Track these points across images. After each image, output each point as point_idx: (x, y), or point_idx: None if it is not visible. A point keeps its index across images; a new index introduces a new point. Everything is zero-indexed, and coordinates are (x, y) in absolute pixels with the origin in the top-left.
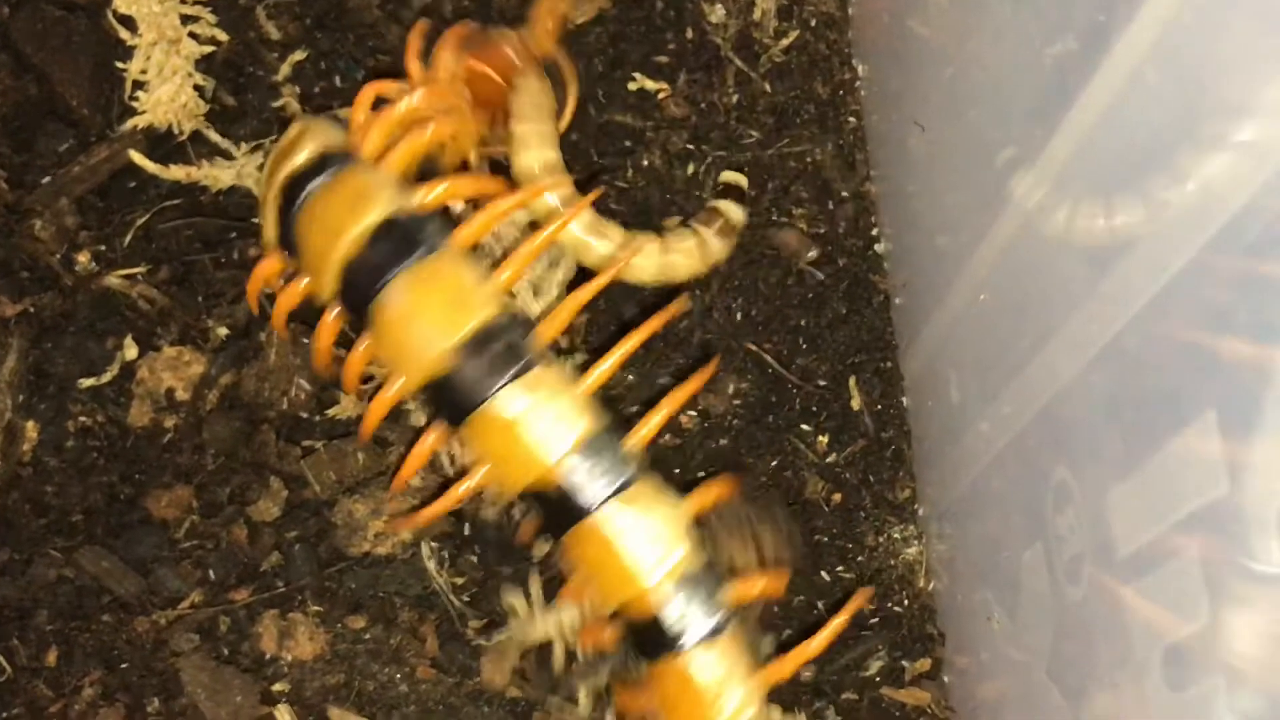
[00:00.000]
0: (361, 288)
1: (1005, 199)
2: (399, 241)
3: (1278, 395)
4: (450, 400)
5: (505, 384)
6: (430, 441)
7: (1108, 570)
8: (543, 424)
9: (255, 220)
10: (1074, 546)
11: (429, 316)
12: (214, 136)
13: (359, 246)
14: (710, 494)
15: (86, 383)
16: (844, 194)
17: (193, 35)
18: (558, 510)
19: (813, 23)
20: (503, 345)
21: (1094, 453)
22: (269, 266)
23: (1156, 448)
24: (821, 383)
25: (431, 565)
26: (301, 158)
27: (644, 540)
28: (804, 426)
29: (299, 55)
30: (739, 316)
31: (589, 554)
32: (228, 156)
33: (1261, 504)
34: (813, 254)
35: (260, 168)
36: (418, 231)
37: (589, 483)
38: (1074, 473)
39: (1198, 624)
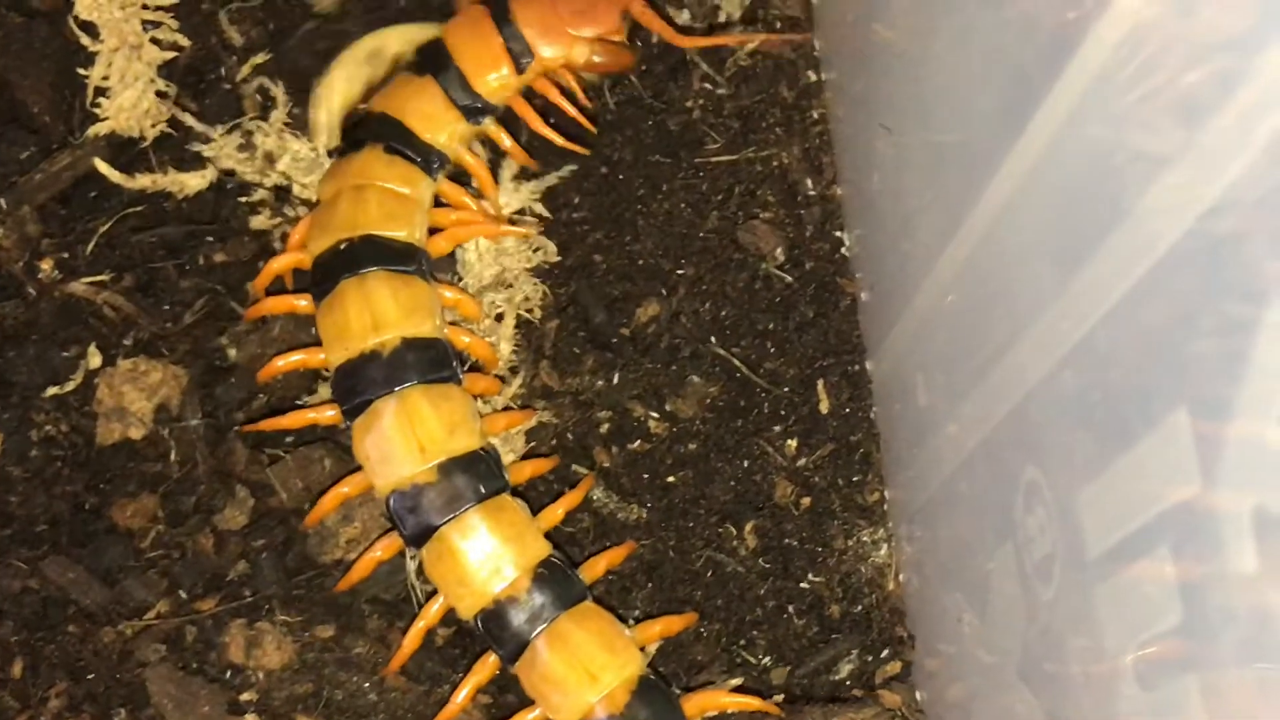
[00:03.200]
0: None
1: (972, 200)
2: (410, 363)
3: (1249, 394)
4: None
5: (468, 509)
6: (379, 552)
7: (1079, 570)
8: (499, 549)
9: (219, 225)
10: (1044, 547)
11: (421, 431)
12: (190, 120)
13: (368, 360)
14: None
15: (50, 391)
16: (810, 197)
17: (155, 41)
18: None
19: (777, 26)
20: (473, 474)
21: (1064, 453)
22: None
23: (1127, 447)
24: (789, 386)
25: (411, 568)
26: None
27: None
28: (772, 430)
29: (260, 59)
30: (707, 320)
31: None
32: (205, 139)
33: (1234, 504)
34: (780, 257)
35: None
36: (427, 360)
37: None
38: (1044, 473)
39: (1170, 624)
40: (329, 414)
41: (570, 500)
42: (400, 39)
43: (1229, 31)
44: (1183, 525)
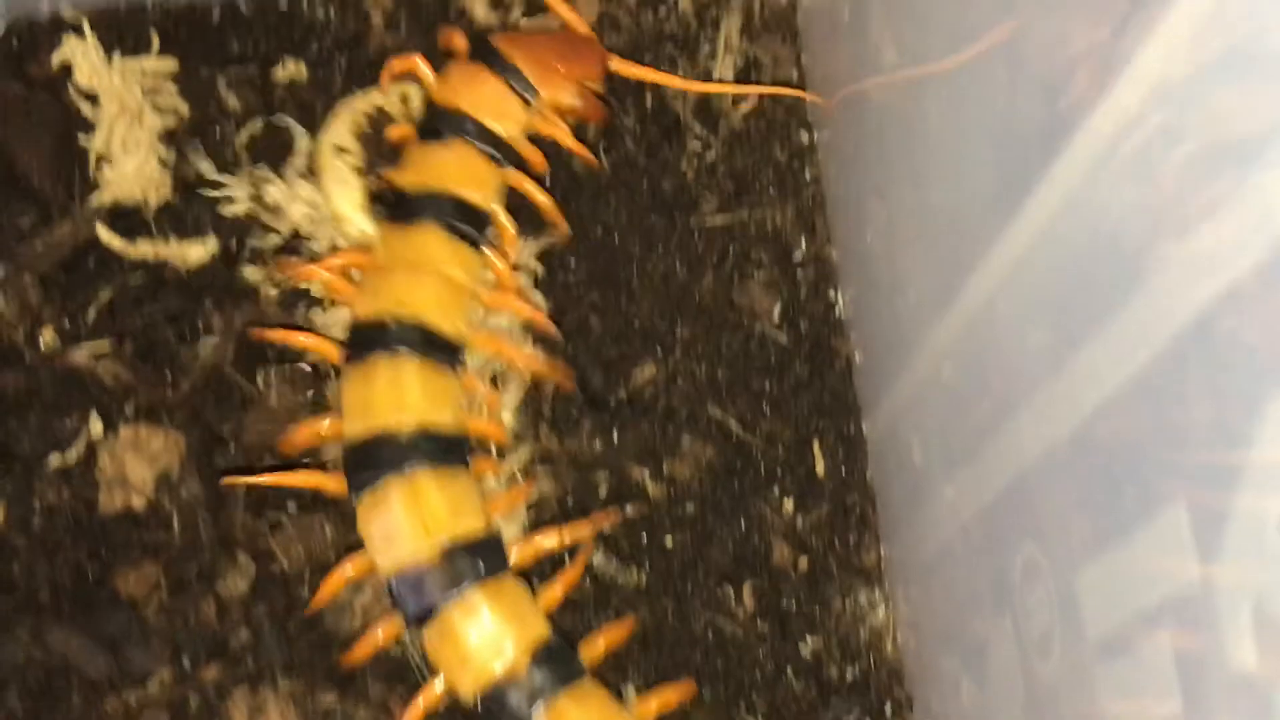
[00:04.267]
0: (370, 466)
1: (966, 271)
2: (424, 449)
3: (1248, 484)
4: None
5: (470, 590)
6: (381, 635)
7: (1078, 649)
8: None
9: (220, 292)
10: (1043, 623)
11: (428, 514)
12: (203, 167)
13: (385, 439)
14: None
15: (52, 460)
16: (804, 258)
17: (155, 108)
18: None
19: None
20: (476, 556)
21: (1063, 532)
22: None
23: (1126, 534)
24: (785, 448)
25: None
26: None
27: None
28: (769, 491)
29: (257, 125)
30: (703, 381)
31: None
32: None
33: (1233, 601)
34: (775, 318)
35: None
36: (441, 447)
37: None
38: (1043, 550)
39: (1171, 709)
40: (333, 483)
41: (569, 578)
42: (365, 104)
43: (1234, 129)
44: (1182, 611)
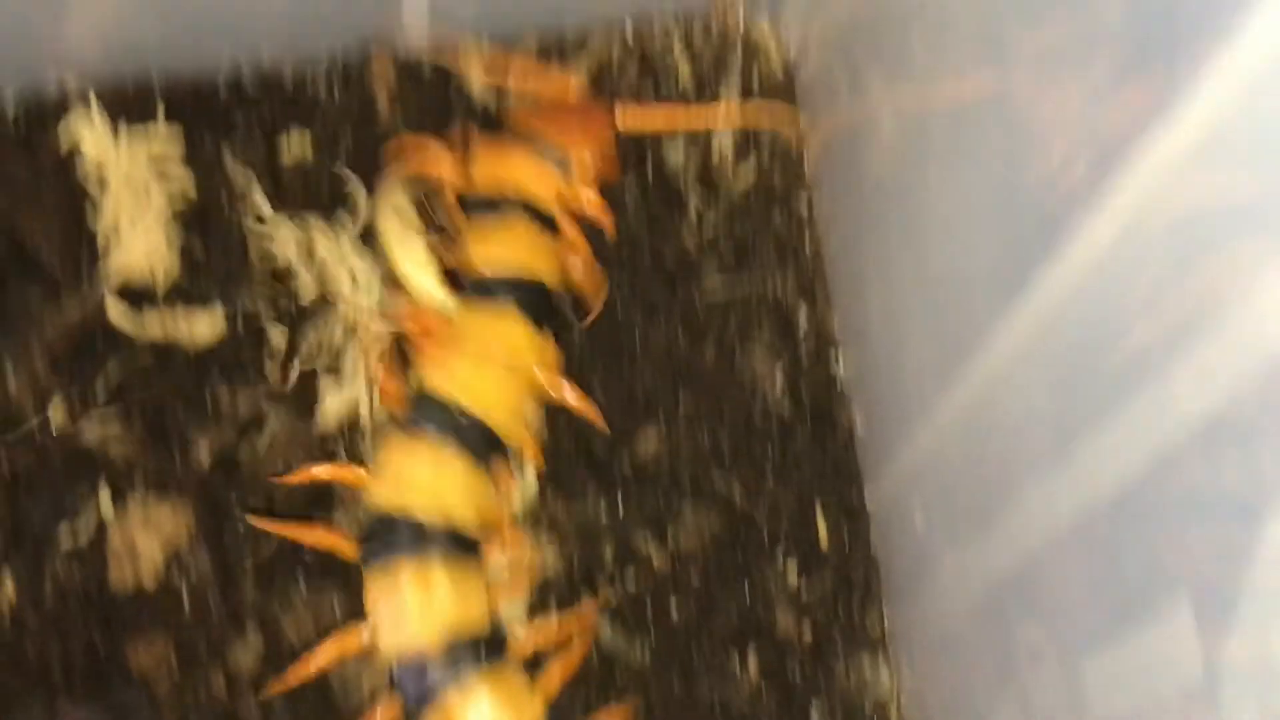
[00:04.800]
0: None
1: (969, 351)
2: (444, 540)
3: (1253, 591)
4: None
5: (471, 680)
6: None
7: None
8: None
9: (227, 369)
10: (1048, 706)
11: (437, 604)
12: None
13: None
14: None
15: (63, 536)
16: (805, 327)
17: (162, 181)
18: None
19: (769, 157)
20: (480, 647)
21: (1068, 619)
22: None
23: (1131, 628)
24: (789, 516)
25: None
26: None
27: None
28: (773, 560)
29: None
30: (706, 450)
31: None
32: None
33: (1237, 706)
34: (777, 387)
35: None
36: (461, 544)
37: None
38: (1049, 632)
39: None
40: (346, 545)
41: (568, 666)
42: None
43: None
44: (1189, 703)
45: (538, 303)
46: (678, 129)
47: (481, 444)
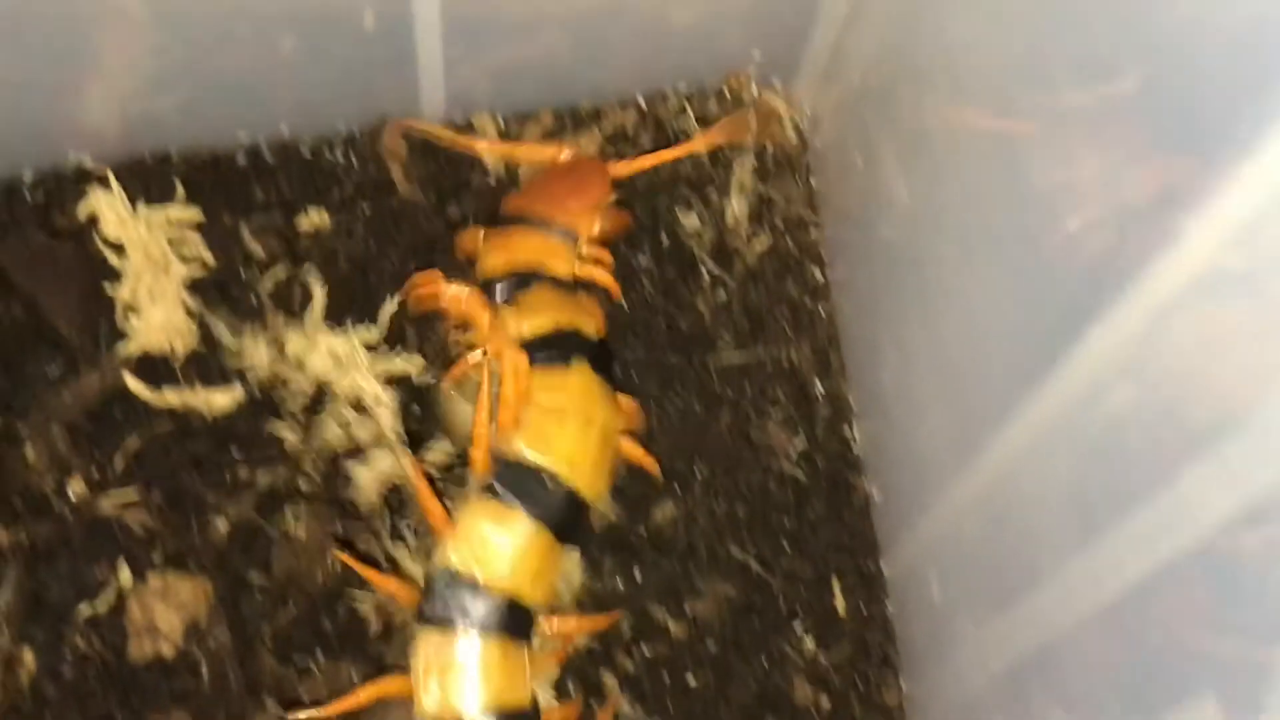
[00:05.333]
0: (449, 604)
1: (988, 434)
2: (504, 616)
3: (1278, 692)
4: None
5: None
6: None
7: None
8: None
9: (246, 440)
10: None
11: (488, 682)
12: (221, 333)
13: (473, 588)
14: None
15: (82, 609)
16: (820, 395)
17: (181, 257)
18: None
19: (783, 225)
20: None
21: (1091, 704)
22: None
23: (1157, 718)
24: (805, 585)
25: None
26: None
27: None
28: (790, 629)
29: (281, 272)
30: (722, 519)
31: None
32: (227, 380)
33: None
34: (792, 455)
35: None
36: (519, 622)
37: None
38: (1068, 717)
39: None
40: (406, 594)
41: None
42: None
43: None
44: None
45: (596, 352)
46: (665, 161)
47: (566, 512)
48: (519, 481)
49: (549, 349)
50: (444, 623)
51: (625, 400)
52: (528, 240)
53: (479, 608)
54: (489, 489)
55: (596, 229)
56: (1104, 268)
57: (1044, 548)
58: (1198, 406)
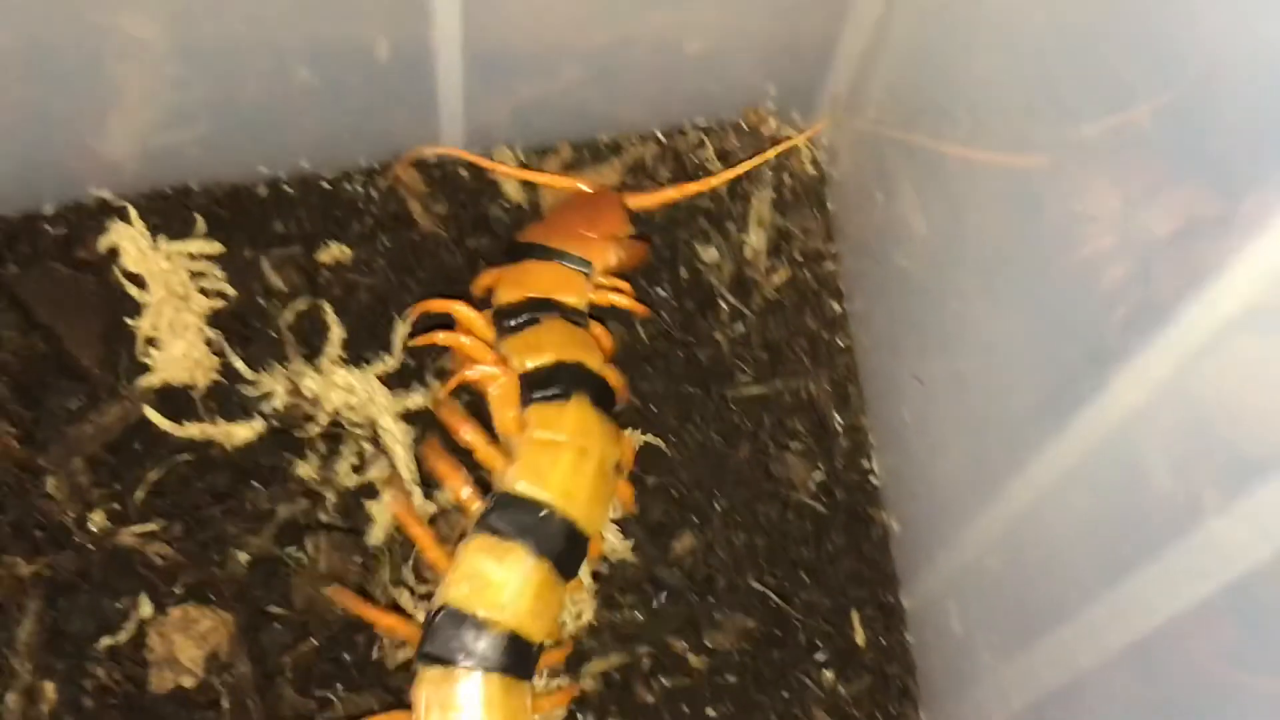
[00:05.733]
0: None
1: (1010, 471)
2: (504, 654)
3: None
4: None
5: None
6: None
7: None
8: None
9: (266, 472)
10: None
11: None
12: (240, 366)
13: (474, 624)
14: None
15: (103, 641)
16: (839, 427)
17: (201, 290)
18: None
19: (801, 258)
20: None
21: None
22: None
23: None
24: (825, 617)
25: None
26: None
27: None
28: (810, 661)
29: (301, 305)
30: (742, 551)
31: None
32: (247, 413)
33: None
34: (811, 487)
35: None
36: (521, 660)
37: None
38: None
39: None
40: (408, 630)
41: None
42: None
43: None
44: None
45: (597, 387)
46: (687, 195)
47: (564, 546)
48: (514, 516)
49: (548, 385)
50: (444, 660)
51: (625, 436)
52: (542, 272)
53: (479, 644)
54: (485, 524)
55: (613, 259)
56: (1133, 304)
57: (1069, 584)
58: (1230, 446)
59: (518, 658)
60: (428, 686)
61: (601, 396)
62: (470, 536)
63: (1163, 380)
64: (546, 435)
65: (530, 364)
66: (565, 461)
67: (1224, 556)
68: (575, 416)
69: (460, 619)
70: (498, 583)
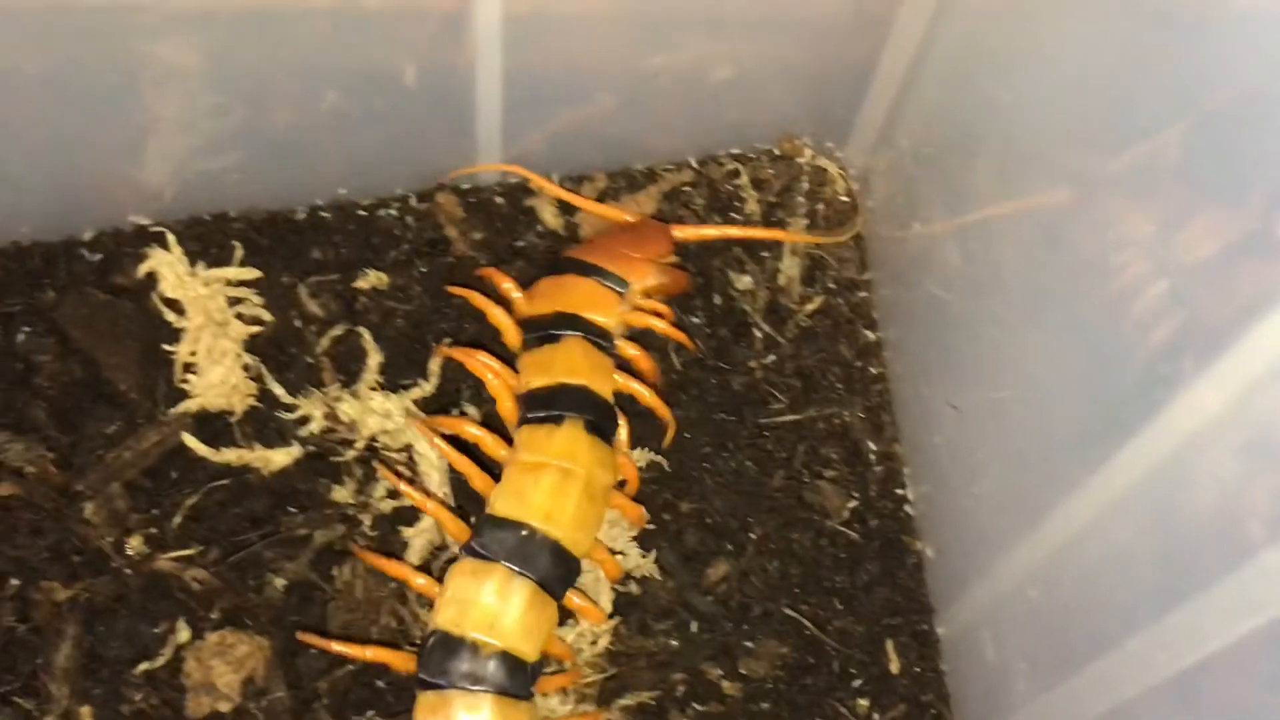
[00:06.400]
0: (442, 667)
1: (1054, 500)
2: (497, 674)
3: None
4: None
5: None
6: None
7: None
8: None
9: (303, 497)
10: None
11: None
12: (278, 391)
13: (467, 648)
14: None
15: (140, 666)
16: (873, 455)
17: (239, 316)
18: None
19: (835, 286)
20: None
21: None
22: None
23: None
24: (859, 645)
25: None
26: None
27: None
28: (844, 689)
29: (338, 331)
30: (776, 578)
31: None
32: (284, 439)
33: None
34: (845, 515)
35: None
36: (515, 680)
37: None
38: None
39: None
40: (402, 661)
41: None
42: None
43: None
44: None
45: (596, 412)
46: (730, 238)
47: (550, 565)
48: (496, 537)
49: (544, 407)
50: (440, 685)
51: (624, 459)
52: (576, 286)
53: (472, 668)
54: (469, 547)
55: (652, 280)
56: (1181, 334)
57: (1112, 614)
58: None
59: (512, 677)
60: (425, 712)
61: (602, 421)
62: (457, 559)
63: (1215, 410)
64: (531, 458)
65: (534, 384)
66: (547, 483)
67: (1275, 588)
68: (563, 440)
69: (451, 642)
70: (484, 604)
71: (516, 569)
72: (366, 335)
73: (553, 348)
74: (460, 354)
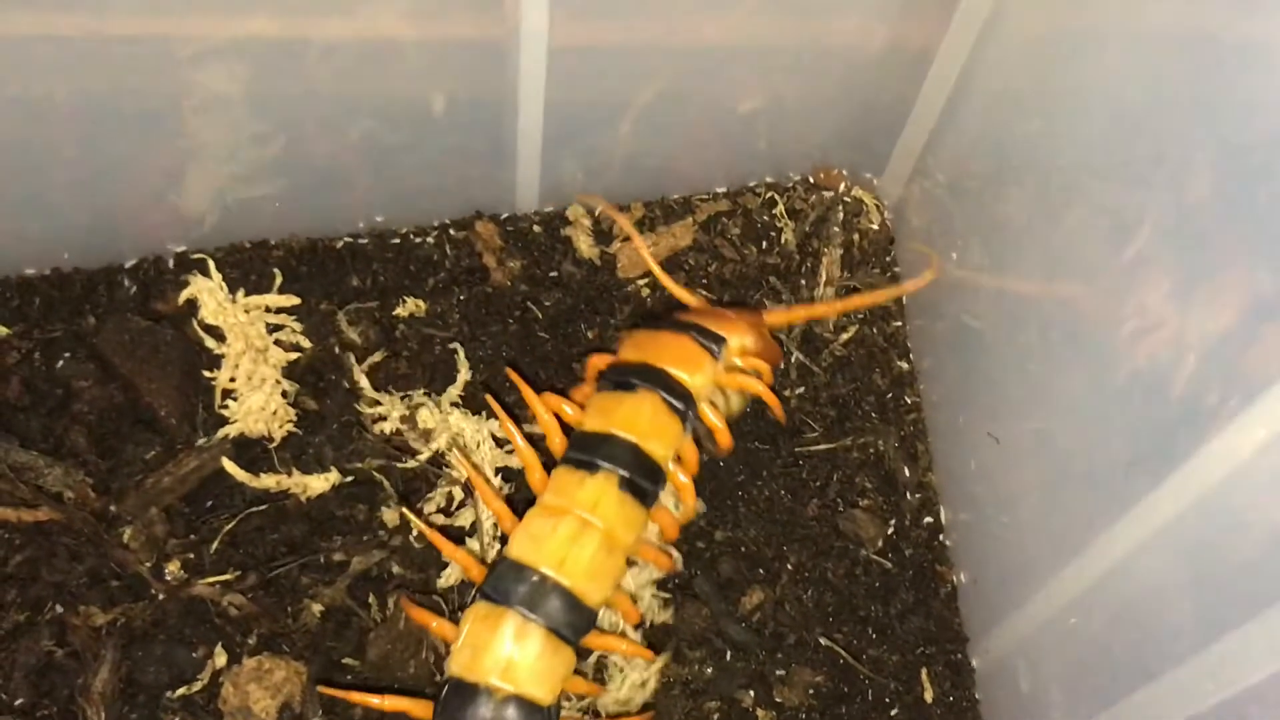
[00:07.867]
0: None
1: (1098, 528)
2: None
3: None
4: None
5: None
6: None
7: None
8: None
9: (340, 523)
10: None
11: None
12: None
13: (481, 694)
14: None
15: (178, 691)
16: (907, 484)
17: (278, 343)
18: None
19: (869, 315)
20: None
21: None
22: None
23: None
24: (893, 674)
25: None
26: None
27: None
28: (879, 717)
29: (377, 357)
30: (810, 607)
31: None
32: (322, 465)
33: None
34: (879, 544)
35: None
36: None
37: None
38: None
39: None
40: (420, 709)
41: None
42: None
43: None
44: None
45: (638, 471)
46: (817, 317)
47: (561, 612)
48: (508, 580)
49: (585, 450)
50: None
51: (668, 520)
52: (669, 341)
53: (488, 712)
54: (482, 591)
55: (750, 340)
56: (1227, 368)
57: (1152, 647)
58: None
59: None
60: None
61: (640, 480)
62: (471, 602)
63: (1261, 441)
64: (555, 501)
65: (588, 425)
66: (565, 532)
67: None
68: (592, 490)
69: (465, 689)
70: (497, 650)
71: (528, 615)
72: (460, 351)
73: (622, 395)
74: (527, 392)
